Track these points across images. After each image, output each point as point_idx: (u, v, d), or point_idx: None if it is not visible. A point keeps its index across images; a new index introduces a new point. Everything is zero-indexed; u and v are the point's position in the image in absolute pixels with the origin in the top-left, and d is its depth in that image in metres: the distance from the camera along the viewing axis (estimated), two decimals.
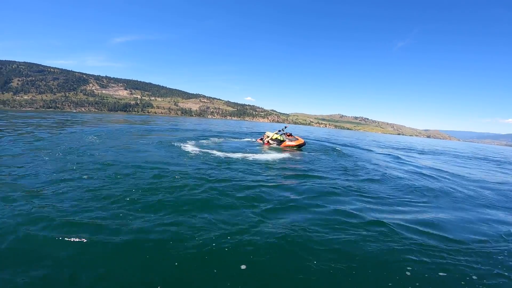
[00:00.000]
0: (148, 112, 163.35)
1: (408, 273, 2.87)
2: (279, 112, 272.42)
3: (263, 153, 10.35)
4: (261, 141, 14.31)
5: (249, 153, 10.13)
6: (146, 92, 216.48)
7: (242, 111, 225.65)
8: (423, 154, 18.65)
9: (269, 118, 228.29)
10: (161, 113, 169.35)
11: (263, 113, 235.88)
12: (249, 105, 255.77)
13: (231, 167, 7.15)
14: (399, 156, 14.44)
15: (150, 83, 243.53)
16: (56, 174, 5.28)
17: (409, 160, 13.29)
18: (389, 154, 14.96)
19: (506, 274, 3.01)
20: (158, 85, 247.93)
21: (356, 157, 11.73)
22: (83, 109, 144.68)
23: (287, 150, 12.15)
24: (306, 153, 11.85)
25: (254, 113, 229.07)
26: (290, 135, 13.70)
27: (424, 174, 9.00)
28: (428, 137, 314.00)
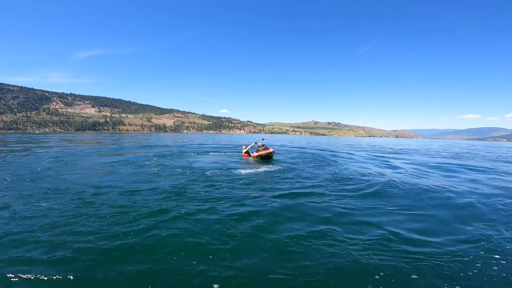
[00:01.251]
0: (119, 130, 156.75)
1: (377, 277, 2.96)
2: (255, 123, 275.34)
3: (241, 168, 10.12)
4: (247, 155, 13.92)
5: (225, 168, 9.84)
6: (116, 109, 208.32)
7: (218, 124, 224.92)
8: (397, 154, 19.39)
9: (246, 130, 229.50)
10: (134, 130, 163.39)
11: (239, 125, 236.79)
12: (225, 118, 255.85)
13: (205, 184, 6.88)
14: (375, 157, 14.85)
15: (120, 99, 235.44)
16: None
17: (393, 162, 13.68)
18: (374, 159, 15.33)
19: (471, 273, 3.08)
20: (129, 101, 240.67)
21: (335, 164, 11.88)
22: (47, 129, 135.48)
23: (268, 162, 12.07)
24: (289, 164, 11.70)
25: (230, 125, 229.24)
26: (262, 146, 13.75)
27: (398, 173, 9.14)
28: (397, 137, 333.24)
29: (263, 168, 10.27)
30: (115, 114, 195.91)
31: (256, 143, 13.93)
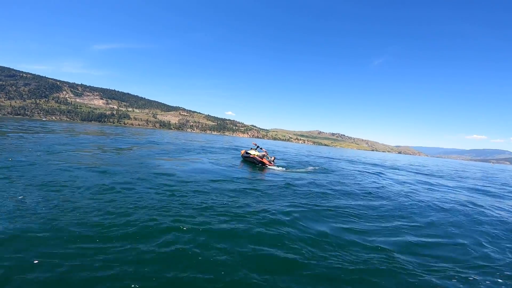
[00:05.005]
0: (124, 124, 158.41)
1: None
2: (259, 128, 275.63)
3: (245, 172, 10.90)
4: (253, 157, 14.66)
5: (223, 172, 10.45)
6: (123, 103, 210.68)
7: (223, 125, 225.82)
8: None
9: (249, 134, 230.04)
10: (138, 125, 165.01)
11: (243, 128, 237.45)
12: (229, 120, 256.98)
13: (211, 188, 7.32)
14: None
15: (128, 94, 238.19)
16: None
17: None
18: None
19: None
20: (137, 95, 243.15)
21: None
22: (53, 117, 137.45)
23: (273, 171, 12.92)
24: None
25: (234, 128, 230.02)
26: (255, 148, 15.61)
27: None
28: (400, 153, 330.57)
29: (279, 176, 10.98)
30: (122, 107, 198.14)
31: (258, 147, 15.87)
